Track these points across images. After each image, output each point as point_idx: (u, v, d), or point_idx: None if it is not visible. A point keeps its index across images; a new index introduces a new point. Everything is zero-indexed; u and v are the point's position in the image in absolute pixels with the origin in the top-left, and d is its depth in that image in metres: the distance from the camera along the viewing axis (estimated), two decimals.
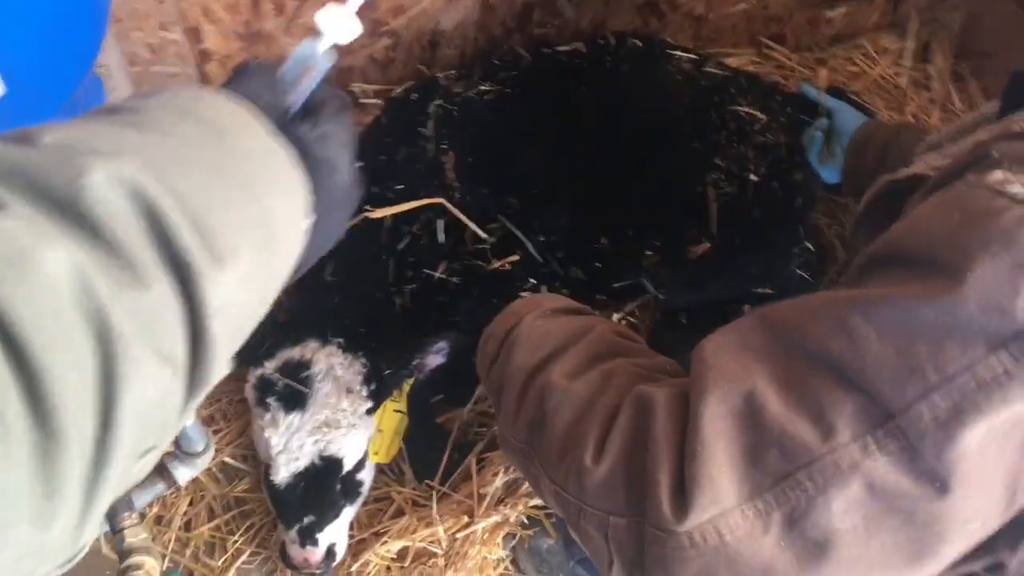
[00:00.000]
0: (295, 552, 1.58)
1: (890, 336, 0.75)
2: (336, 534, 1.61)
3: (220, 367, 0.59)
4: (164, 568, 1.68)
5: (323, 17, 0.74)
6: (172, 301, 0.54)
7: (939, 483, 0.74)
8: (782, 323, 0.86)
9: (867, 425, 0.76)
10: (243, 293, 0.60)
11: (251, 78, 0.73)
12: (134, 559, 1.03)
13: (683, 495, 0.81)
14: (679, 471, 0.82)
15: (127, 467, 0.53)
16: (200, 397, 0.59)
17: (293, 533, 1.57)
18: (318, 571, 1.60)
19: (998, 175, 0.78)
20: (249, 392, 1.63)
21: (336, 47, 0.77)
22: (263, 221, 0.63)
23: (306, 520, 1.57)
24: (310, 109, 0.76)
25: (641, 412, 0.90)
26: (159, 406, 0.54)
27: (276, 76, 0.75)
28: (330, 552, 1.60)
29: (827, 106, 1.83)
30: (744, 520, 0.79)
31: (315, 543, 1.57)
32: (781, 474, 0.78)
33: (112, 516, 1.08)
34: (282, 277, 0.69)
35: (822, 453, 0.76)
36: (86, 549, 0.54)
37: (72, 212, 0.51)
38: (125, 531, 1.06)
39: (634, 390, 0.93)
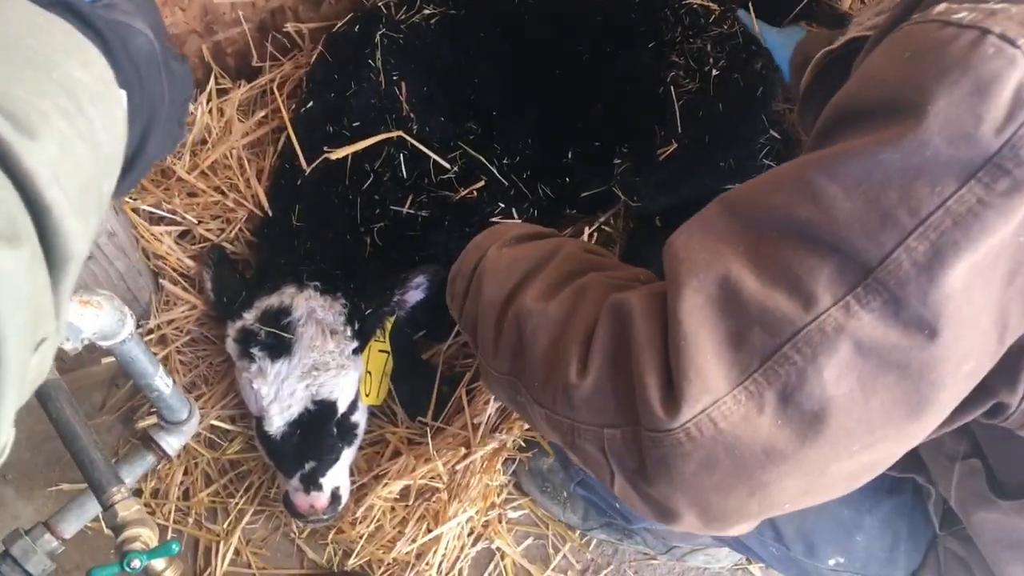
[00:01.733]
0: (300, 500, 1.56)
1: (857, 189, 0.73)
2: (339, 477, 1.60)
3: (75, 238, 0.56)
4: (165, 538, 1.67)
5: None
6: (1, 180, 0.51)
7: (928, 329, 0.72)
8: (743, 201, 0.83)
9: (847, 285, 0.74)
10: (71, 159, 0.57)
11: None
12: (129, 532, 1.01)
13: (672, 391, 0.79)
14: (666, 369, 0.81)
15: (23, 362, 0.51)
16: (69, 275, 0.56)
17: (295, 481, 1.56)
18: (325, 516, 1.59)
19: (941, 7, 0.75)
20: (231, 346, 1.59)
21: None
22: (64, 89, 0.59)
23: (307, 466, 1.55)
24: None
25: (619, 319, 0.88)
26: (31, 289, 0.51)
27: None
28: (335, 496, 1.59)
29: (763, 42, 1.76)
30: (737, 404, 0.77)
31: (319, 488, 1.56)
32: (768, 351, 0.76)
33: (100, 493, 1.05)
34: (115, 149, 0.66)
35: (805, 323, 0.75)
36: (6, 452, 0.53)
37: None
38: (116, 506, 1.03)
39: (608, 299, 0.91)
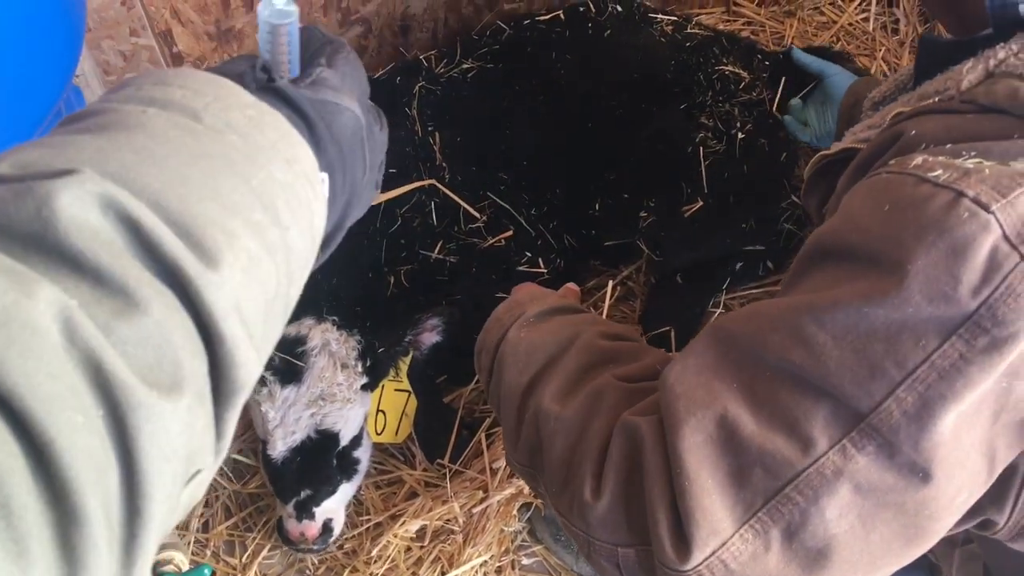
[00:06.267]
0: (292, 526, 1.59)
1: (845, 339, 0.77)
2: (333, 509, 1.63)
3: (247, 370, 0.54)
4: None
5: None
6: (178, 316, 0.49)
7: (921, 472, 0.77)
8: (736, 336, 0.87)
9: (841, 430, 0.78)
10: (255, 283, 0.55)
11: (229, 62, 0.69)
12: (163, 555, 1.04)
13: (682, 532, 0.83)
14: (674, 506, 0.84)
15: (171, 506, 0.50)
16: (236, 405, 0.55)
17: (290, 507, 1.59)
18: (315, 546, 1.61)
19: (918, 159, 0.80)
20: None
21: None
22: (261, 200, 0.58)
23: (303, 494, 1.58)
24: (305, 66, 0.72)
25: (630, 442, 0.91)
26: (187, 437, 0.49)
27: (254, 57, 0.70)
28: (327, 527, 1.61)
29: (818, 71, 1.83)
30: (745, 544, 0.81)
31: (312, 517, 1.59)
32: (770, 492, 0.80)
33: None
34: (308, 247, 0.64)
35: (805, 466, 0.79)
36: None
37: (46, 247, 0.46)
38: None
39: (620, 419, 0.94)
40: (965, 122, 0.84)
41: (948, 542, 1.24)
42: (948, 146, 0.81)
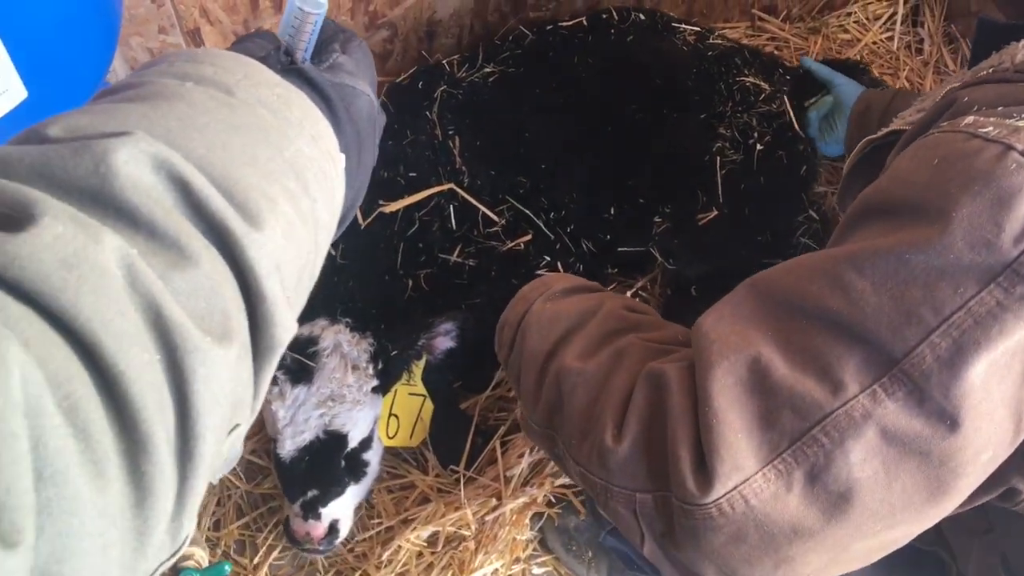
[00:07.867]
0: (298, 526, 1.59)
1: (884, 286, 0.78)
2: (340, 511, 1.62)
3: (284, 328, 0.56)
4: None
5: None
6: (224, 271, 0.52)
7: (949, 420, 0.76)
8: (774, 287, 0.88)
9: (873, 375, 0.78)
10: (292, 246, 0.58)
11: (248, 41, 0.73)
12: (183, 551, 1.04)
13: (704, 468, 0.83)
14: (698, 444, 0.84)
15: (216, 451, 0.52)
16: (271, 363, 0.57)
17: (296, 507, 1.59)
18: (320, 547, 1.60)
19: (969, 119, 0.82)
20: None
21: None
22: (294, 169, 0.61)
23: (310, 494, 1.58)
24: (319, 52, 0.76)
25: (655, 388, 0.91)
26: (234, 385, 0.52)
27: (273, 35, 0.75)
28: (333, 529, 1.61)
29: (827, 79, 1.84)
30: (767, 483, 0.81)
31: (318, 517, 1.58)
32: (797, 433, 0.80)
33: None
34: (331, 221, 0.68)
35: (834, 408, 0.79)
36: (189, 539, 0.53)
37: (103, 201, 0.49)
38: None
39: (646, 367, 0.94)
40: (1017, 90, 0.86)
41: (968, 533, 1.23)
42: (1000, 108, 0.83)
